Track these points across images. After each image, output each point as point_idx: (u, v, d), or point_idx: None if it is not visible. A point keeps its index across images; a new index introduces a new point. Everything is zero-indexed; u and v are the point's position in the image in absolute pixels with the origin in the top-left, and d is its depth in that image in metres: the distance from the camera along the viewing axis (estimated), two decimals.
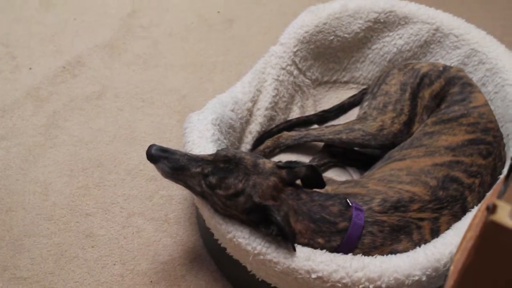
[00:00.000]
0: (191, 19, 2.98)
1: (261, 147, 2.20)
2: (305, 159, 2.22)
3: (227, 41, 2.88)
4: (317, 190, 1.73)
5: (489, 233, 0.94)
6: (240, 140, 2.18)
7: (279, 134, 2.23)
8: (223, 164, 1.63)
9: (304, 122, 2.33)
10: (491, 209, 0.93)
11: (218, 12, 3.03)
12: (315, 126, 2.32)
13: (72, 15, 2.96)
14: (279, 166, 1.67)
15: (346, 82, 2.52)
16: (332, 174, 2.19)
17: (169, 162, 1.66)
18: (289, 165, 1.68)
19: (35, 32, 2.87)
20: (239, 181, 1.60)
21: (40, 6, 3.00)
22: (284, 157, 2.20)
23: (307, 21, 2.34)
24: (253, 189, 1.59)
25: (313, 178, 1.71)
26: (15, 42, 2.80)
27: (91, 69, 2.69)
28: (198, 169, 1.64)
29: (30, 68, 2.68)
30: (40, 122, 2.45)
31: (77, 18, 2.95)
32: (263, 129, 2.24)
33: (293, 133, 2.22)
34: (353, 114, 2.34)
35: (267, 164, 1.65)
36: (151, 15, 2.99)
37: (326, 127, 2.20)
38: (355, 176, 2.18)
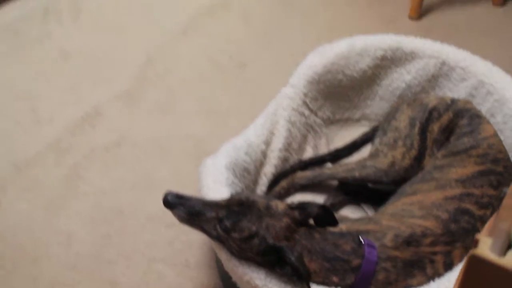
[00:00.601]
0: (204, 65, 3.05)
1: (277, 188, 2.23)
2: (320, 197, 2.25)
3: (240, 85, 2.94)
4: (330, 228, 1.76)
5: (473, 267, 0.97)
6: (255, 182, 2.20)
7: (294, 175, 2.26)
8: (236, 207, 1.66)
9: (317, 161, 2.35)
10: (474, 243, 0.95)
11: (230, 56, 3.09)
12: (329, 164, 2.35)
13: (89, 65, 3.04)
14: (292, 207, 1.70)
15: (358, 120, 2.55)
16: (347, 211, 2.21)
17: (185, 208, 1.69)
18: (301, 206, 1.71)
19: (54, 84, 2.94)
20: (253, 224, 1.63)
21: (59, 58, 3.08)
22: (299, 197, 2.23)
23: (315, 62, 2.37)
24: (266, 231, 1.62)
25: (326, 217, 1.73)
26: (36, 95, 2.88)
27: (109, 119, 2.76)
28: (213, 214, 1.67)
29: (51, 120, 2.75)
30: (61, 173, 2.51)
31: (94, 68, 3.03)
32: (277, 171, 2.26)
33: (307, 172, 2.25)
34: (366, 151, 2.36)
35: (280, 205, 1.68)
36: (165, 62, 3.06)
37: (340, 165, 2.23)
38: (370, 212, 2.20)
